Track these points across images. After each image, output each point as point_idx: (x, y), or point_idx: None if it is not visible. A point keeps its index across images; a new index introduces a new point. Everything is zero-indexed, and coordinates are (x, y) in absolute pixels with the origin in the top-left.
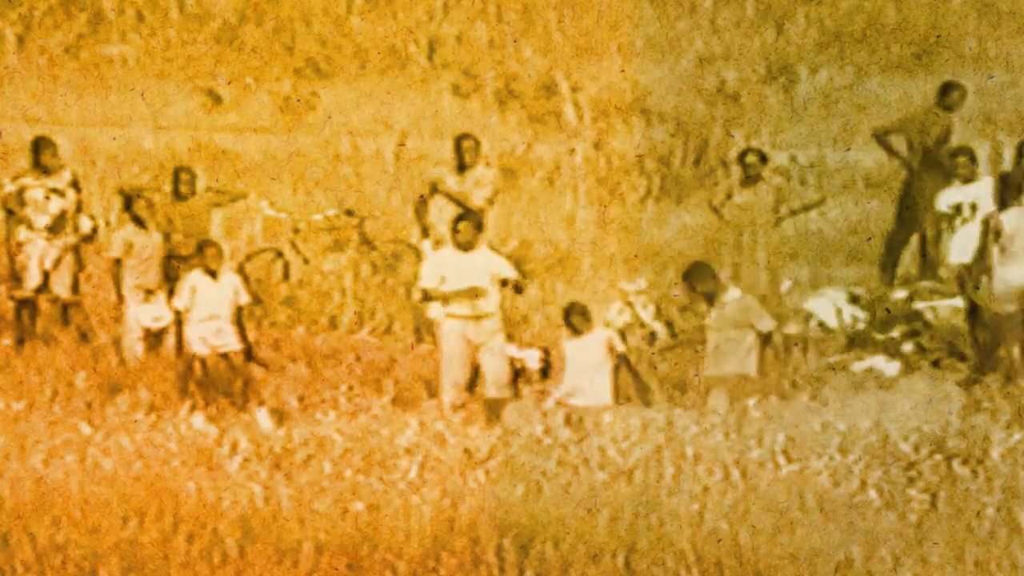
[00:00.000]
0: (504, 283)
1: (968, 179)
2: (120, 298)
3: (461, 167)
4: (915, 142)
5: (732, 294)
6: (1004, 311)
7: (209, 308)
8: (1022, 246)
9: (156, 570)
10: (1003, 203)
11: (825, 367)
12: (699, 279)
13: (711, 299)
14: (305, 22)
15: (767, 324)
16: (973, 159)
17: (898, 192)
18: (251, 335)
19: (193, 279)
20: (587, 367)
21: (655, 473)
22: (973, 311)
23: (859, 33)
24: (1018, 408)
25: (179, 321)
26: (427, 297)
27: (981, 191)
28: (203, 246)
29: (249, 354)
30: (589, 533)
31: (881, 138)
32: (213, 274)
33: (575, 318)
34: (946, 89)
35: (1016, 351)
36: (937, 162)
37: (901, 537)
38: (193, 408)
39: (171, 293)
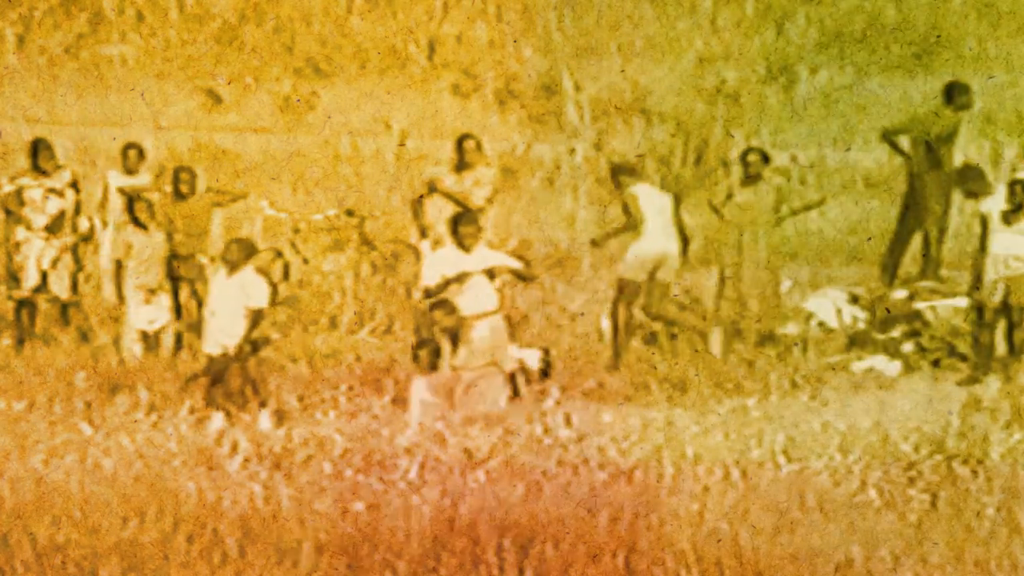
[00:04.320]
0: (518, 276)
1: (981, 194)
2: (120, 298)
3: (461, 167)
4: (921, 142)
5: (479, 331)
6: (636, 279)
7: (218, 305)
8: (651, 218)
9: (156, 570)
10: (1018, 207)
11: (825, 367)
12: (439, 316)
13: (455, 338)
14: (305, 22)
15: (512, 362)
16: (982, 176)
17: (903, 192)
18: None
19: (215, 277)
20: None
21: (655, 473)
22: (979, 312)
23: (859, 33)
24: (1018, 408)
25: (179, 321)
26: (430, 295)
27: (992, 204)
28: (230, 243)
29: (246, 354)
30: (589, 533)
31: (889, 138)
32: (231, 272)
33: (423, 354)
34: (953, 90)
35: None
36: (942, 162)
37: (901, 537)
38: (193, 409)
39: (173, 294)
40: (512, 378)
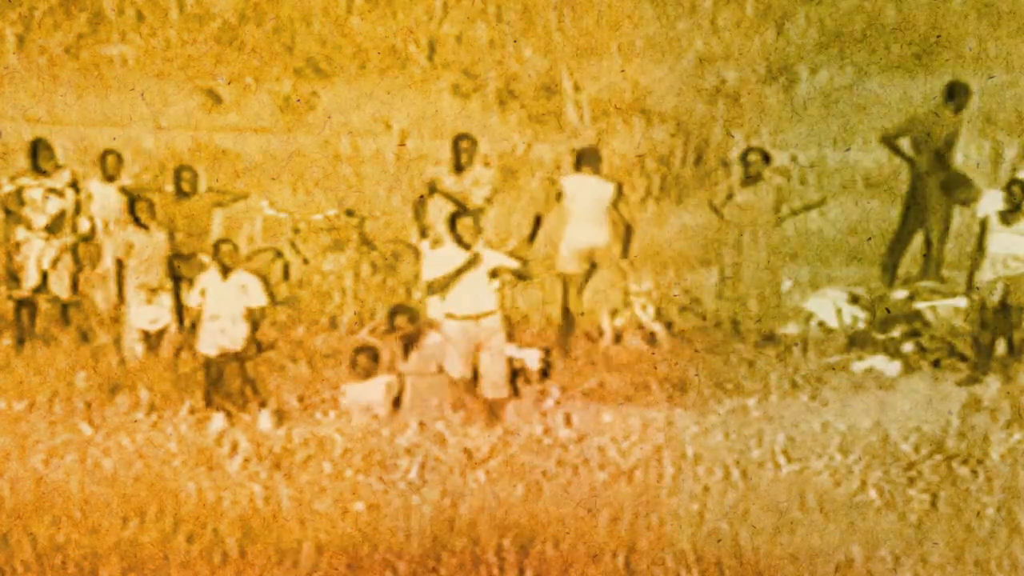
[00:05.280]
0: (516, 275)
1: (969, 202)
2: (121, 298)
3: (458, 167)
4: (921, 143)
5: (432, 338)
6: (571, 270)
7: (216, 307)
8: (583, 208)
9: (156, 570)
10: (1017, 208)
11: (825, 367)
12: (399, 322)
13: (409, 343)
14: (305, 22)
15: (458, 369)
16: (968, 183)
17: (905, 192)
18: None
19: (205, 279)
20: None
21: (655, 473)
22: (979, 312)
23: (859, 33)
24: (1018, 408)
25: (180, 321)
26: (435, 289)
27: (991, 204)
28: (219, 244)
29: (250, 354)
30: (589, 533)
31: (889, 141)
32: (227, 273)
33: (361, 359)
34: (953, 90)
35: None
36: (944, 163)
37: (901, 537)
38: (193, 409)
39: (175, 293)
40: (455, 385)
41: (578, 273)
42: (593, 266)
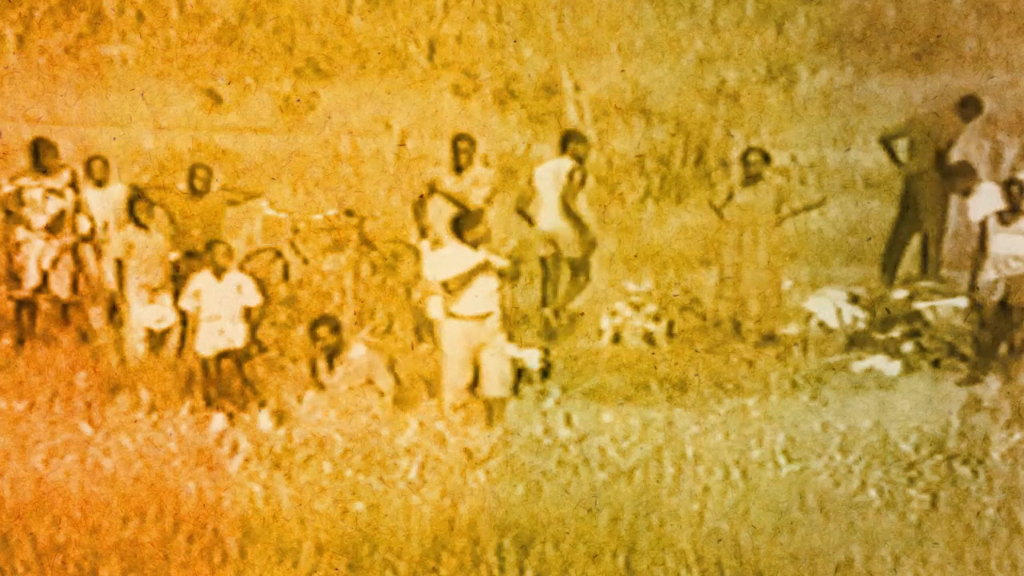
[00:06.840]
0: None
1: (967, 192)
2: (123, 298)
3: (458, 168)
4: (920, 143)
5: (357, 351)
6: (540, 253)
7: (213, 308)
8: (547, 193)
9: (156, 570)
10: (1016, 208)
11: (825, 367)
12: (322, 333)
13: (332, 355)
14: (305, 22)
15: (387, 383)
16: (972, 171)
17: (899, 192)
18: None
19: (198, 281)
20: None
21: (655, 473)
22: (979, 311)
23: (859, 33)
24: (1018, 408)
25: (184, 321)
26: (448, 290)
27: (980, 199)
28: (212, 245)
29: (249, 354)
30: (589, 533)
31: (886, 143)
32: (220, 274)
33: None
34: (966, 102)
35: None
36: (941, 163)
37: (901, 537)
38: (193, 409)
39: (176, 294)
40: (382, 397)
41: (546, 257)
42: (556, 250)
